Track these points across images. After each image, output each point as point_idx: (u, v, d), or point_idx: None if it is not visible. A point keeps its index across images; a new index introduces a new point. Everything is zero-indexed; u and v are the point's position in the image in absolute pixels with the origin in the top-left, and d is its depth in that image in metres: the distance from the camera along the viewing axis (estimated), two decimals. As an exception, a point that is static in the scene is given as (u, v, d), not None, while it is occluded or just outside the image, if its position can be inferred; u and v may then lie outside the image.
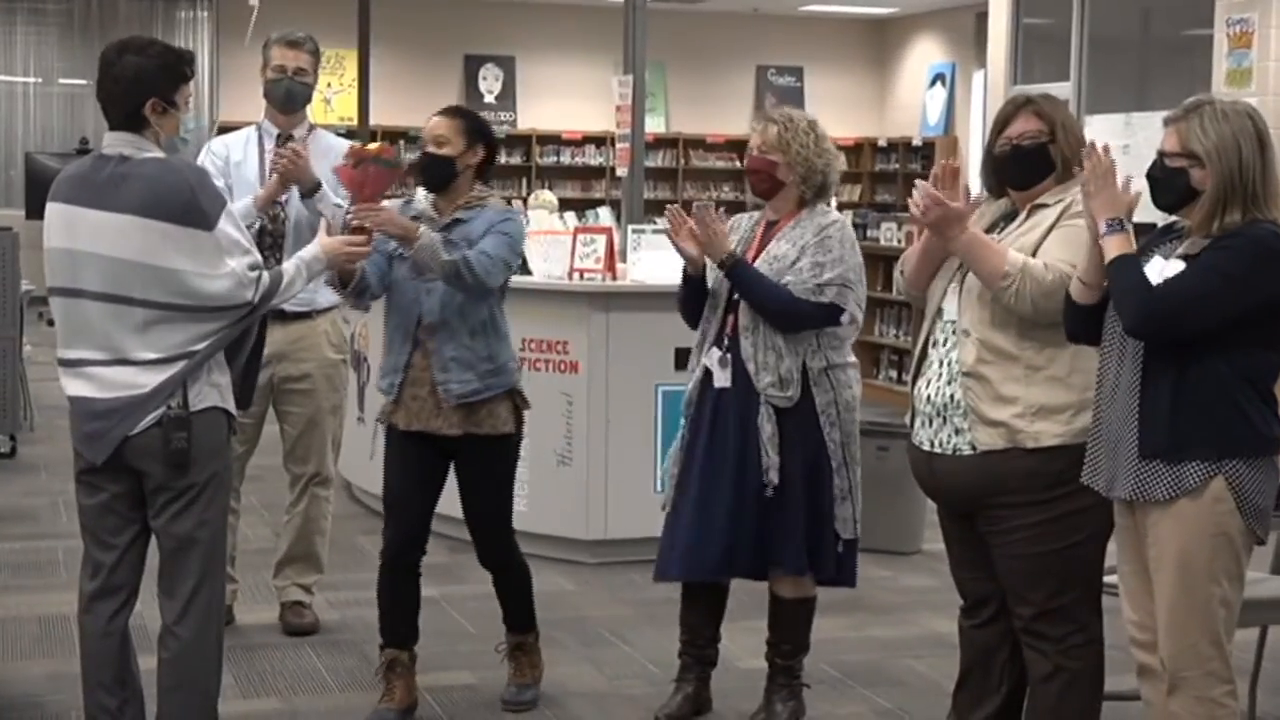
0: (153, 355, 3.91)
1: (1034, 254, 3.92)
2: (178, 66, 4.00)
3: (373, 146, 4.71)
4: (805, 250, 4.67)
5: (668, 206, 4.99)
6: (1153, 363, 3.57)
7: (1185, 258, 3.58)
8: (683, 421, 4.87)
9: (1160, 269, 3.58)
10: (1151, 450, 3.57)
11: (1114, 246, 3.60)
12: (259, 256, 4.03)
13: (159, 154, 3.96)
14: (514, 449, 4.90)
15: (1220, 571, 3.58)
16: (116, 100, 3.94)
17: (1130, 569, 3.75)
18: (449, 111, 4.84)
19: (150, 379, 3.92)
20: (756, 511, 4.68)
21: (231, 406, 4.08)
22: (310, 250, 4.26)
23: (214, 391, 4.00)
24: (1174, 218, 3.74)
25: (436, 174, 4.75)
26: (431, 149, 4.73)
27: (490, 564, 4.98)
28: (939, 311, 4.10)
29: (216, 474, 4.04)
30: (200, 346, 3.94)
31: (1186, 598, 3.58)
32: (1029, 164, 4.03)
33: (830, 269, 4.64)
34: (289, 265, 4.18)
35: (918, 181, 4.01)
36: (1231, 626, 3.64)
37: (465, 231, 4.71)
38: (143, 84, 3.92)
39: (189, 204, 3.87)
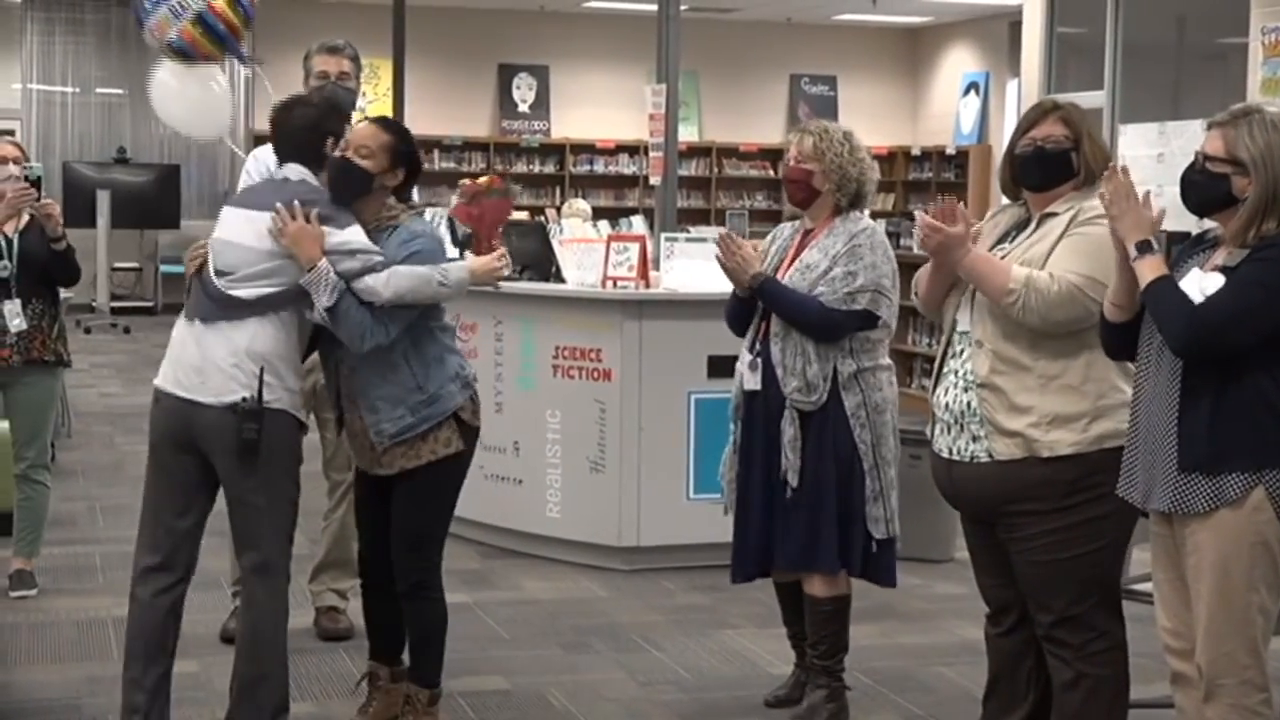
0: (236, 314, 4.31)
1: (1044, 265, 3.94)
2: (340, 106, 4.73)
3: (483, 181, 4.69)
4: (837, 259, 4.75)
5: (718, 233, 5.02)
6: (1192, 375, 3.56)
7: (1224, 270, 3.57)
8: (731, 426, 4.97)
9: (1198, 281, 3.57)
10: (1192, 463, 3.56)
11: (1148, 269, 3.59)
12: (373, 266, 4.33)
13: (315, 182, 4.46)
14: (456, 468, 4.57)
15: (1259, 580, 3.57)
16: (300, 144, 4.48)
17: (1165, 577, 3.75)
18: (381, 123, 4.57)
19: (227, 340, 4.30)
20: (781, 512, 4.79)
21: (302, 416, 4.43)
22: (456, 267, 4.49)
23: (288, 395, 4.34)
24: (1207, 225, 3.74)
25: (348, 184, 4.42)
26: (351, 155, 4.43)
27: (402, 586, 4.59)
28: (954, 323, 4.14)
29: (284, 473, 4.38)
30: (269, 324, 4.31)
31: (1225, 606, 3.57)
32: (1049, 167, 4.05)
33: (862, 275, 4.72)
34: (425, 270, 4.38)
35: (917, 213, 4.06)
36: (1268, 635, 3.63)
37: None
38: (320, 128, 4.51)
39: (322, 214, 4.33)
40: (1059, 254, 3.95)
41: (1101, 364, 3.93)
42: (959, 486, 4.13)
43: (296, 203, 4.33)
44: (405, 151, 4.53)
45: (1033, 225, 4.07)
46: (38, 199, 5.92)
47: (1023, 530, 4.01)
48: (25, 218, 6.10)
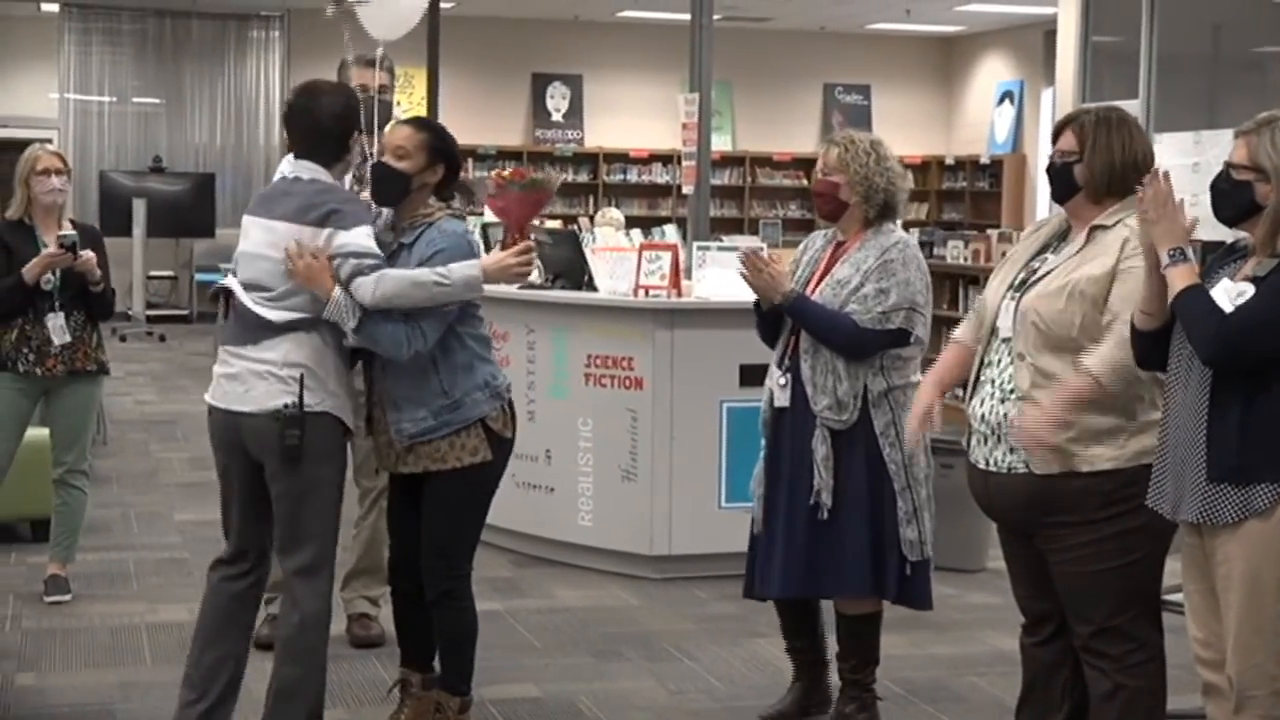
0: (269, 334, 4.34)
1: (1103, 288, 3.87)
2: (359, 100, 4.59)
3: (508, 172, 4.64)
4: (868, 276, 4.67)
5: (741, 250, 4.95)
6: (1220, 386, 3.55)
7: (1254, 280, 3.56)
8: (763, 441, 4.93)
9: (1228, 291, 3.56)
10: (1220, 474, 3.55)
11: (1180, 277, 3.57)
12: (372, 259, 4.31)
13: (328, 179, 4.43)
14: (485, 477, 4.56)
15: (1288, 590, 3.56)
16: (327, 135, 4.42)
17: (1195, 588, 3.73)
18: (415, 123, 4.61)
19: (265, 354, 4.34)
20: (809, 532, 4.72)
21: (347, 418, 4.44)
22: (463, 265, 4.37)
23: (331, 400, 4.37)
24: (1239, 234, 3.72)
25: (388, 188, 4.48)
26: (388, 160, 4.48)
27: (430, 594, 4.61)
28: (994, 330, 4.10)
29: (330, 476, 4.42)
30: (305, 335, 4.34)
31: (1254, 617, 3.56)
32: (1057, 183, 4.06)
33: (895, 293, 4.66)
34: (419, 272, 4.34)
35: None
36: (1299, 646, 3.62)
37: (404, 260, 4.47)
38: (349, 119, 4.47)
39: (331, 212, 4.32)
40: (1115, 300, 3.88)
41: (1141, 380, 3.90)
42: (996, 498, 4.10)
43: (293, 243, 4.30)
44: (442, 147, 4.54)
45: (1081, 239, 4.01)
46: (74, 260, 6.00)
47: (1060, 541, 3.98)
48: (65, 229, 6.16)
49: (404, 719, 4.76)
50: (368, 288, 4.29)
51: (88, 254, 6.04)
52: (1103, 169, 3.97)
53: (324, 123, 4.42)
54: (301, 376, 4.30)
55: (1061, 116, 4.18)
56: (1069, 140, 4.03)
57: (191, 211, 18.14)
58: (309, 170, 4.42)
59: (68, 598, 6.31)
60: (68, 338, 6.09)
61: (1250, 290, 3.51)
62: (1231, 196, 3.62)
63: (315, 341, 4.35)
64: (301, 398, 4.30)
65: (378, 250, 4.35)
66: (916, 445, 4.28)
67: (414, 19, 5.29)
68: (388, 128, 5.43)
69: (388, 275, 4.31)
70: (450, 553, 4.60)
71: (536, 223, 8.03)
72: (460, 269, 4.36)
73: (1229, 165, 3.62)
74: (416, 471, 4.53)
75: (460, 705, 4.68)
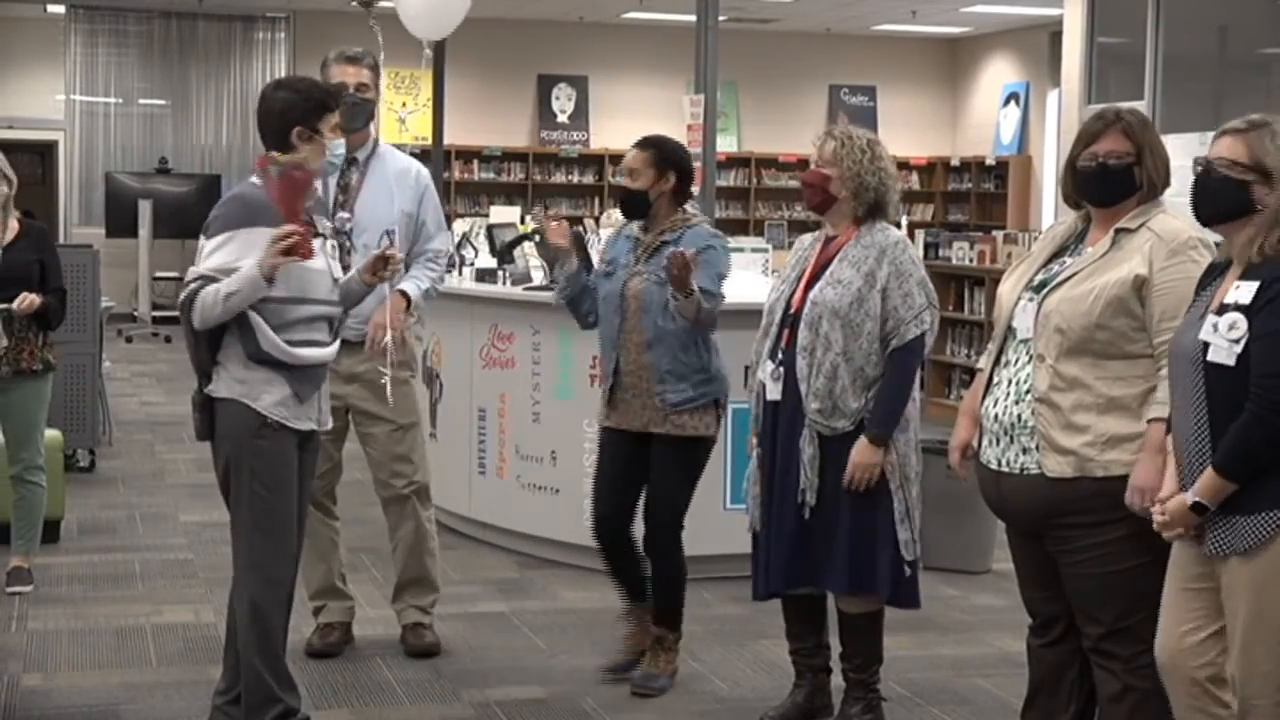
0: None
1: (1137, 289, 3.85)
2: (322, 99, 4.55)
3: (281, 157, 4.50)
4: (885, 288, 4.63)
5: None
6: (1218, 417, 3.52)
7: (1239, 308, 3.48)
8: (754, 440, 4.90)
9: (1218, 327, 3.49)
10: (1231, 506, 3.52)
11: (1211, 488, 3.50)
12: (202, 280, 4.33)
13: (254, 180, 4.46)
14: (706, 450, 5.25)
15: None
16: (269, 128, 4.50)
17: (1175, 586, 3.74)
18: (641, 143, 5.27)
19: None
20: (797, 526, 4.71)
21: (259, 404, 4.40)
22: (245, 269, 4.28)
23: (238, 386, 4.42)
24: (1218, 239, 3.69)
25: (633, 206, 5.24)
26: (625, 182, 5.22)
27: (651, 549, 5.28)
28: (1010, 330, 4.08)
29: (240, 461, 4.42)
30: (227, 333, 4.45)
31: (1258, 624, 3.54)
32: (1114, 184, 3.98)
33: (917, 293, 4.65)
34: (221, 284, 4.30)
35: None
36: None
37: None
38: (289, 115, 4.47)
39: (209, 219, 4.44)
40: (1160, 316, 3.85)
41: (1162, 387, 3.88)
42: (1007, 499, 4.08)
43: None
44: (664, 157, 5.21)
45: (1106, 243, 3.97)
46: (11, 336, 6.12)
47: (1072, 543, 3.97)
48: (13, 230, 6.21)
49: (628, 645, 5.47)
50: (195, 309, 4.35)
51: (23, 302, 6.08)
52: (1162, 169, 3.98)
53: (266, 118, 4.51)
54: (215, 367, 4.45)
55: (1093, 116, 4.09)
56: (1120, 142, 3.97)
57: (197, 213, 17.78)
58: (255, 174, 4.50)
59: (29, 589, 6.40)
60: (3, 340, 6.17)
61: (1241, 322, 3.46)
62: (1223, 194, 3.59)
63: (229, 338, 4.42)
64: (201, 385, 4.47)
65: (223, 266, 4.32)
66: (964, 475, 4.26)
67: (456, 20, 5.39)
68: (366, 126, 5.46)
69: (201, 294, 4.33)
70: (678, 512, 5.23)
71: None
72: (241, 274, 4.29)
73: (1229, 163, 3.58)
74: (650, 432, 5.14)
75: (675, 640, 5.36)
